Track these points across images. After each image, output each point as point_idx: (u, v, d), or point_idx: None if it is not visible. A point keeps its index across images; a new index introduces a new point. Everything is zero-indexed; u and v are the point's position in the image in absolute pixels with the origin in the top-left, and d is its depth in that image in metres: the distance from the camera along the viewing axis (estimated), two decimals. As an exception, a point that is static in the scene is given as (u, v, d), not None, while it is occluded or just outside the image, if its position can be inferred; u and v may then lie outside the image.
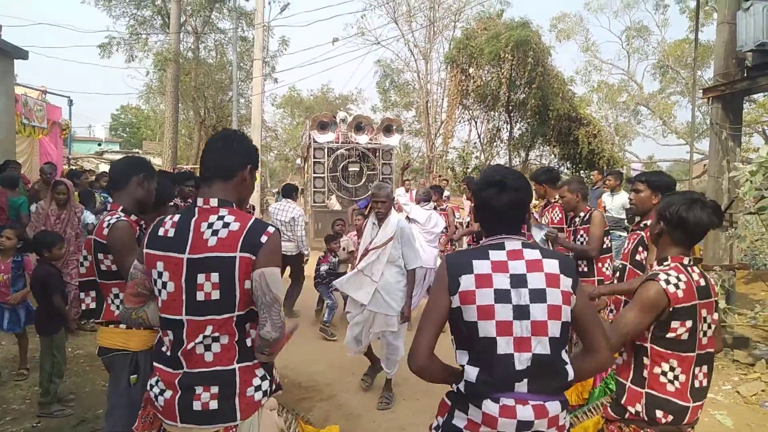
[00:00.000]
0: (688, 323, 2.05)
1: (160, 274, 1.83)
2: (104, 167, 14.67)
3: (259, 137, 16.43)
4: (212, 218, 1.84)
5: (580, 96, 18.26)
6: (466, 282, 1.69)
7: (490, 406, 1.65)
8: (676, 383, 2.07)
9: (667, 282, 2.05)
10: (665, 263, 2.16)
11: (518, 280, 1.69)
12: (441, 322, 1.75)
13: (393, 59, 23.59)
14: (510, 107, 16.28)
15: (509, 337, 1.65)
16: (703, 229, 2.15)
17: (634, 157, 24.87)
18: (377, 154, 12.92)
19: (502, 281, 1.69)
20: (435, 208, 8.54)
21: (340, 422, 4.13)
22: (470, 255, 1.76)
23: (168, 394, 1.82)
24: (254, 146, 2.06)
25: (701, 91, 6.51)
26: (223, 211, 1.86)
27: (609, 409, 2.20)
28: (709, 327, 2.13)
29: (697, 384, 2.10)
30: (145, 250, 1.89)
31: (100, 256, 2.60)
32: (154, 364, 1.91)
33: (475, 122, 17.91)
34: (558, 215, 4.88)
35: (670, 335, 2.05)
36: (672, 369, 2.08)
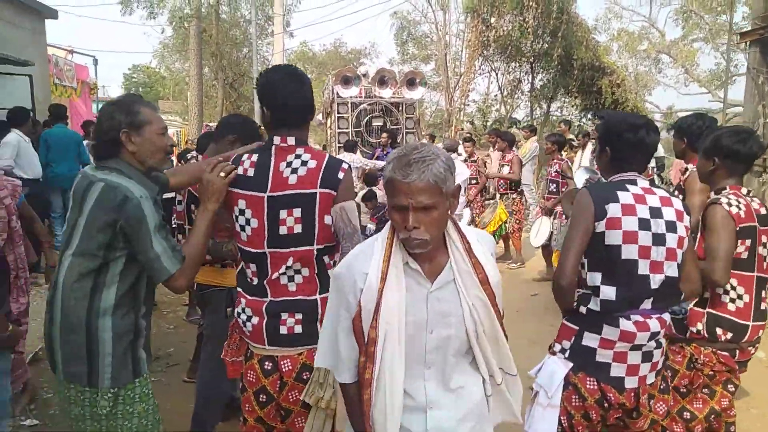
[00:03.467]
0: (748, 242, 2.25)
1: (242, 212, 1.92)
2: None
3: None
4: (290, 157, 1.91)
5: (603, 45, 17.86)
6: (614, 209, 1.92)
7: (626, 324, 1.91)
8: (739, 302, 2.27)
9: (729, 204, 2.25)
10: (724, 191, 2.34)
11: (656, 212, 1.93)
12: (584, 245, 1.96)
13: (410, 11, 23.13)
14: (532, 58, 16.05)
15: (647, 260, 1.91)
16: (754, 158, 2.37)
17: (655, 107, 24.49)
18: (400, 108, 12.91)
19: (643, 211, 1.92)
20: (466, 160, 8.72)
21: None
22: (613, 187, 2.00)
23: (255, 320, 1.93)
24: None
25: (738, 35, 6.47)
26: (299, 150, 1.93)
27: (672, 329, 2.40)
28: None
29: (762, 306, 2.30)
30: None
31: (192, 207, 2.83)
32: (240, 291, 2.01)
33: (496, 74, 17.66)
34: None
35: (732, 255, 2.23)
36: (734, 288, 2.27)
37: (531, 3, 13.88)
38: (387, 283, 1.49)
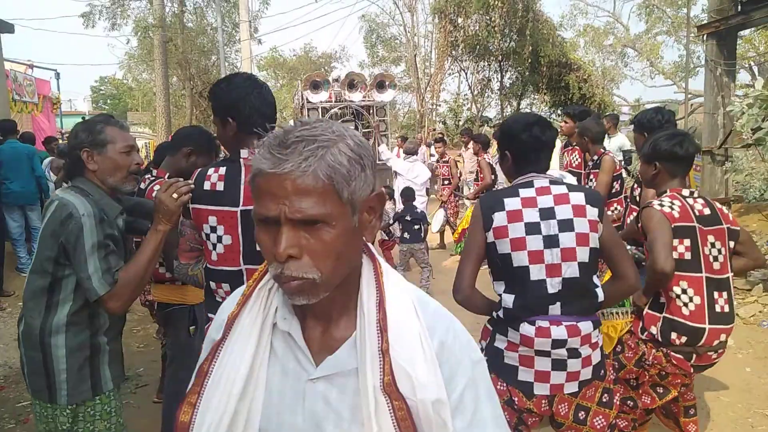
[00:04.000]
0: (687, 242, 2.24)
1: (213, 229, 1.82)
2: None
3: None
4: None
5: (569, 41, 18.12)
6: (499, 218, 1.89)
7: (526, 328, 1.86)
8: (691, 305, 2.24)
9: (661, 205, 2.28)
10: (663, 195, 2.38)
11: (547, 213, 1.87)
12: (479, 257, 1.95)
13: (378, 13, 23.17)
14: (500, 56, 16.20)
15: (541, 265, 1.85)
16: (691, 158, 2.43)
17: (623, 100, 24.91)
18: (371, 111, 12.89)
19: (531, 215, 1.87)
20: (438, 160, 8.74)
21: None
22: (501, 194, 1.97)
23: None
24: None
25: (695, 28, 6.60)
26: None
27: (636, 327, 2.40)
28: (720, 253, 2.29)
29: (718, 308, 2.26)
30: (192, 206, 1.85)
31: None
32: (210, 315, 1.89)
33: (465, 74, 17.81)
34: (577, 159, 4.82)
35: (673, 255, 2.22)
36: (684, 291, 2.25)
37: (496, 2, 14.00)
38: (227, 345, 0.93)
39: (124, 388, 4.21)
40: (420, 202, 7.26)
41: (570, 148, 5.06)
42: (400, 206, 7.05)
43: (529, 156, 2.01)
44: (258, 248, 1.77)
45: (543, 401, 1.92)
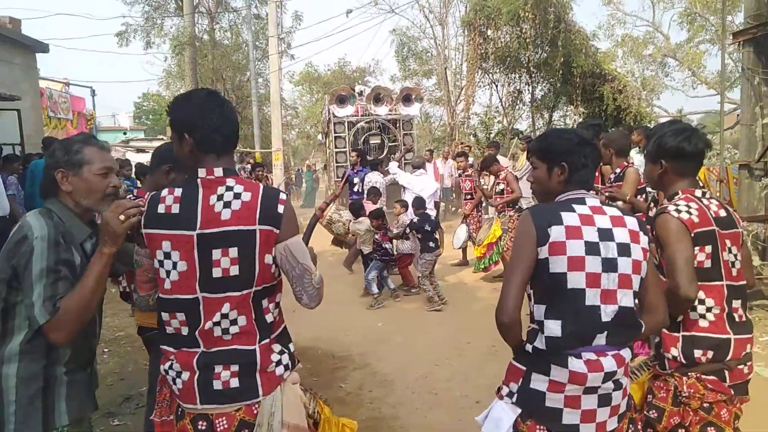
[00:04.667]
0: (708, 248, 2.02)
1: (167, 255, 1.71)
2: (131, 155, 15.00)
3: (279, 115, 16.45)
4: (220, 189, 1.72)
5: (603, 51, 17.64)
6: (557, 233, 1.70)
7: (576, 364, 1.67)
8: (710, 316, 2.03)
9: (678, 211, 2.04)
10: (675, 197, 2.15)
11: (605, 234, 1.72)
12: (528, 274, 1.75)
13: (408, 27, 23.17)
14: (531, 68, 15.86)
15: (597, 289, 1.68)
16: (701, 155, 2.18)
17: (663, 111, 24.10)
18: (398, 125, 12.81)
19: (591, 234, 1.71)
20: (461, 174, 8.61)
21: (375, 389, 4.22)
22: (556, 207, 1.78)
23: (186, 375, 1.73)
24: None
25: (731, 35, 6.23)
26: (230, 181, 1.74)
27: (657, 366, 2.17)
28: (737, 258, 2.10)
29: (736, 317, 2.06)
30: (145, 231, 1.74)
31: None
32: (163, 348, 1.80)
33: (496, 86, 17.50)
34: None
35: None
36: (702, 302, 2.03)
37: (526, 14, 13.74)
38: None
39: (124, 408, 4.19)
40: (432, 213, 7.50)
41: None
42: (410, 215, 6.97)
43: (580, 171, 1.84)
44: (215, 275, 1.68)
45: None
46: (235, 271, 1.68)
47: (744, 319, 2.09)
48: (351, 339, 5.39)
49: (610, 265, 1.69)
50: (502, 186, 7.15)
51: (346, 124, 12.53)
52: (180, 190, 1.75)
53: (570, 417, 1.70)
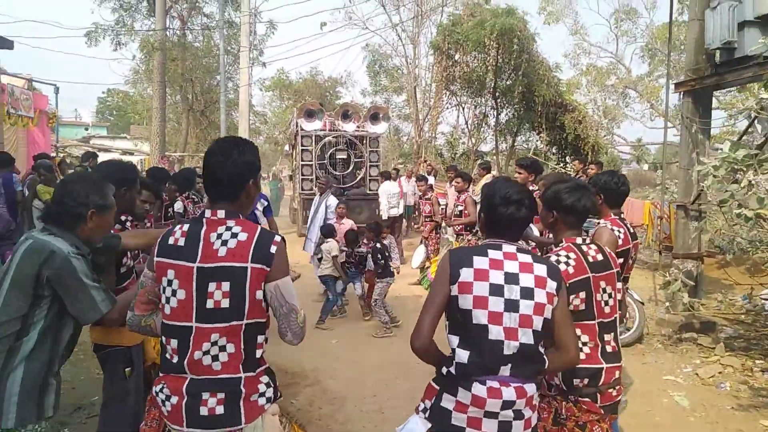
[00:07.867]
0: (582, 294, 2.33)
1: (170, 282, 1.89)
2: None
3: (247, 124, 16.45)
4: (221, 229, 1.91)
5: (566, 81, 18.37)
6: (466, 274, 1.94)
7: (478, 389, 1.90)
8: (585, 349, 2.35)
9: (558, 262, 2.33)
10: (560, 245, 2.46)
11: (511, 278, 1.95)
12: (442, 307, 1.98)
13: (381, 44, 23.53)
14: (496, 93, 16.40)
15: (500, 326, 1.90)
16: (587, 212, 2.51)
17: (622, 140, 25.11)
18: (364, 141, 13.03)
19: (497, 277, 1.94)
20: (421, 197, 8.84)
21: (324, 406, 4.37)
22: (471, 251, 2.02)
23: (174, 399, 1.87)
24: (255, 155, 2.04)
25: (674, 85, 6.71)
26: (230, 222, 1.93)
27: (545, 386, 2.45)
28: (610, 296, 2.43)
29: (609, 349, 2.41)
30: (156, 259, 1.93)
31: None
32: (160, 373, 1.96)
33: (462, 108, 18.04)
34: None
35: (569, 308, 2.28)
36: (578, 338, 2.31)
37: (492, 42, 14.24)
38: None
39: (74, 417, 4.20)
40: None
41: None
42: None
43: (506, 227, 2.08)
44: (208, 306, 1.87)
45: None
46: (225, 303, 1.85)
47: (616, 349, 2.44)
48: (305, 354, 5.50)
49: (512, 306, 1.92)
50: (461, 208, 7.41)
51: (313, 138, 12.66)
52: (188, 226, 1.97)
53: None
